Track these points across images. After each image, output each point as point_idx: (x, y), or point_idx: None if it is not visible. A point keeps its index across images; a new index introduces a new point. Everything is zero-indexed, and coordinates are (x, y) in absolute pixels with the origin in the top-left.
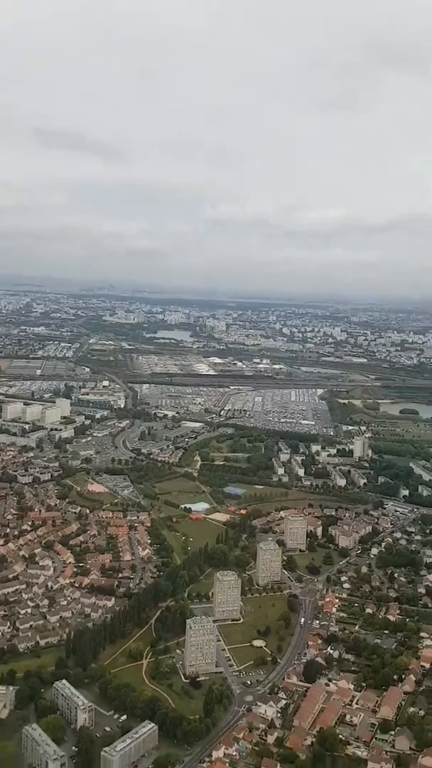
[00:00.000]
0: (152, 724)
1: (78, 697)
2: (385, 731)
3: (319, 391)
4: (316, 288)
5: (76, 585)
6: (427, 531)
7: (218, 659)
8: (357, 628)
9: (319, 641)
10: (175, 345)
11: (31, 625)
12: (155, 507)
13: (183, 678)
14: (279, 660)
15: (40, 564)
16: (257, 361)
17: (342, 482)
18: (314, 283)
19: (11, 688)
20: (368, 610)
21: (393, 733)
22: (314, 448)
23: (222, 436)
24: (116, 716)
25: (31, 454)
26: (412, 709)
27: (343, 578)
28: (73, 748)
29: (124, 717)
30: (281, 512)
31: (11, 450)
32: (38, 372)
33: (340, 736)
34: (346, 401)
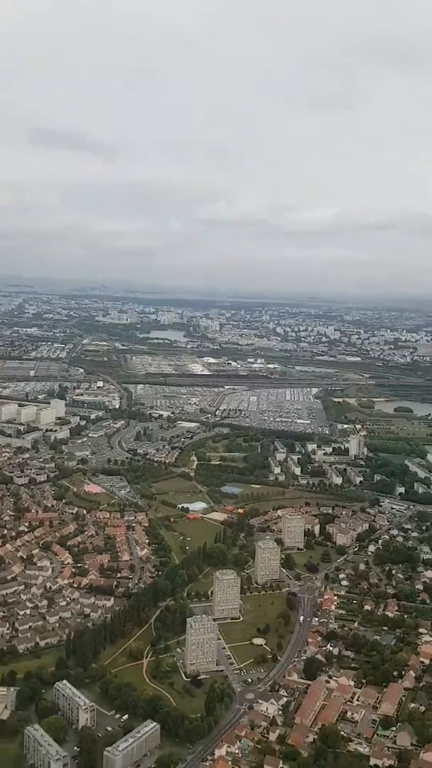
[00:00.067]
0: (154, 724)
1: (79, 698)
2: (387, 727)
3: (314, 390)
4: (309, 287)
5: (75, 585)
6: (424, 528)
7: (218, 658)
8: (356, 624)
9: (319, 638)
10: (168, 345)
11: (30, 626)
12: (152, 507)
13: (184, 677)
14: (279, 658)
15: (38, 565)
16: (251, 360)
17: (338, 480)
18: (308, 283)
19: (12, 689)
20: (367, 607)
21: (394, 729)
22: (310, 446)
23: (218, 436)
24: (118, 716)
25: (27, 456)
26: (412, 705)
27: (341, 576)
28: (75, 748)
29: (125, 717)
30: (278, 511)
31: (6, 451)
32: (32, 373)
33: (342, 732)
34: (340, 400)
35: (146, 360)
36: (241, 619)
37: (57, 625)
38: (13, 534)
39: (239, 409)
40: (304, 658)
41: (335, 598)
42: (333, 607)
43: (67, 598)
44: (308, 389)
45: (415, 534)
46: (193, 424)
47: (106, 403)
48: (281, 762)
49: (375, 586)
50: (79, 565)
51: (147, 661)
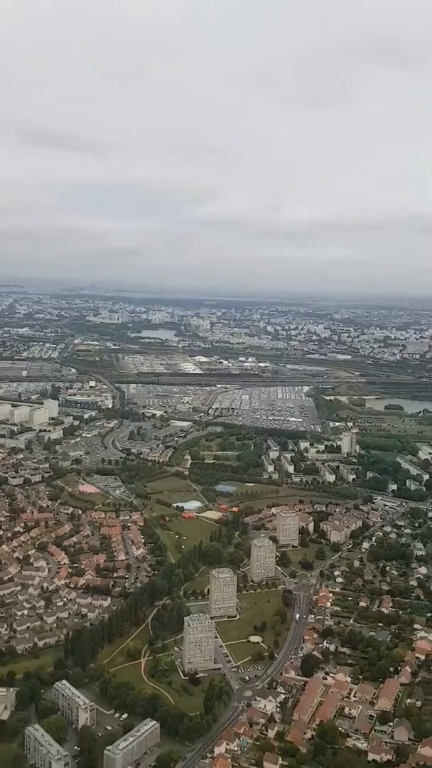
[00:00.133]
0: (154, 722)
1: (79, 697)
2: (384, 723)
3: (305, 389)
4: (302, 287)
5: (72, 586)
6: (417, 524)
7: (216, 656)
8: (351, 621)
9: (315, 635)
10: (160, 344)
11: (28, 627)
12: (147, 506)
13: (182, 675)
14: (276, 655)
15: (35, 565)
16: (243, 359)
17: (331, 478)
18: (301, 282)
19: (11, 689)
20: (362, 604)
21: (392, 724)
22: (303, 444)
23: (211, 435)
24: (117, 715)
25: (21, 456)
26: (409, 700)
27: (336, 573)
28: (76, 747)
29: (124, 716)
30: (273, 509)
31: (0, 452)
32: (24, 373)
33: (340, 728)
34: (332, 398)
35: (138, 359)
36: (238, 617)
37: (55, 625)
38: (9, 535)
39: (232, 408)
40: (301, 655)
41: (330, 595)
42: (328, 604)
43: (64, 599)
44: (300, 387)
45: (408, 531)
46: (186, 423)
47: (99, 402)
48: (280, 758)
49: (370, 583)
50: (75, 565)
51: (145, 660)
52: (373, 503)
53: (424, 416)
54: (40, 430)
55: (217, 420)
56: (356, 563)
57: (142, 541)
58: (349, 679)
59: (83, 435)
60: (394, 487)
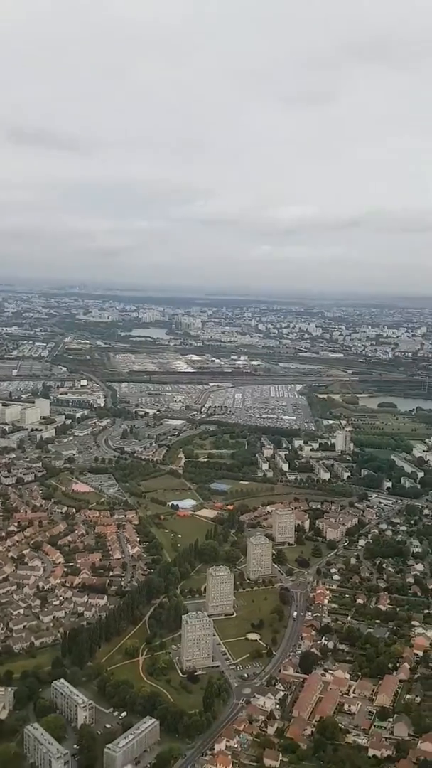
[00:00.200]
0: (153, 720)
1: (78, 696)
2: (383, 719)
3: (298, 387)
4: (288, 284)
5: (68, 585)
6: (412, 522)
7: (214, 654)
8: (349, 618)
9: (313, 632)
10: (151, 343)
11: (24, 626)
12: (142, 505)
13: (180, 673)
14: (274, 652)
15: (30, 565)
16: (235, 357)
17: (326, 476)
18: (287, 280)
19: (9, 688)
20: (359, 601)
21: (391, 720)
22: (297, 442)
23: (204, 433)
24: (116, 713)
25: (13, 455)
26: (408, 696)
27: (333, 570)
28: (75, 746)
29: (123, 714)
30: (268, 507)
31: None
32: (14, 372)
33: (340, 724)
34: (325, 396)
35: (129, 358)
36: (235, 615)
37: (51, 624)
38: (3, 534)
39: (225, 406)
40: (300, 652)
41: (327, 592)
42: (326, 601)
43: (60, 598)
44: (292, 386)
45: (404, 528)
46: (179, 422)
47: (91, 401)
48: (281, 755)
49: (366, 580)
50: (70, 564)
51: (143, 658)
52: (369, 501)
53: (417, 414)
54: (32, 429)
55: (210, 418)
56: (353, 560)
57: (138, 539)
58: (347, 676)
59: (76, 434)
60: (389, 484)
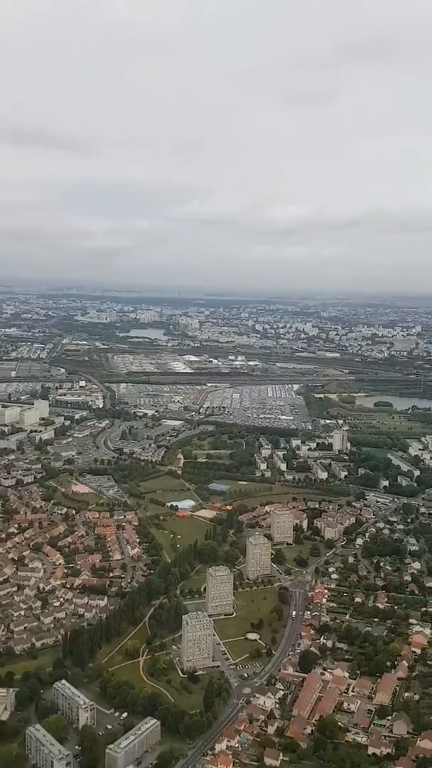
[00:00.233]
0: (154, 720)
1: (79, 697)
2: (383, 717)
3: (295, 387)
4: (288, 284)
5: (68, 586)
6: (409, 520)
7: (214, 653)
8: (348, 617)
9: (312, 632)
10: (149, 344)
11: (25, 627)
12: (141, 506)
13: (181, 673)
14: (274, 652)
15: (30, 566)
16: (232, 358)
17: (323, 475)
18: (287, 280)
19: (11, 690)
20: (357, 599)
21: (390, 718)
22: (294, 442)
23: (203, 434)
24: (117, 714)
25: (12, 457)
26: (407, 694)
27: (331, 569)
28: (77, 747)
29: (124, 714)
30: (266, 507)
31: None
32: (13, 374)
33: (339, 723)
34: (322, 396)
35: (127, 359)
36: (235, 614)
37: (52, 625)
38: (3, 536)
39: (223, 407)
40: (299, 651)
41: (326, 591)
42: (324, 600)
43: (61, 599)
44: (289, 385)
45: (401, 526)
46: (177, 423)
47: (90, 402)
48: (281, 754)
49: (364, 579)
50: (70, 565)
51: (143, 659)
52: (366, 500)
53: (413, 413)
54: (31, 431)
55: (208, 419)
56: (350, 559)
57: (137, 540)
58: (347, 675)
59: (75, 435)
60: (386, 483)
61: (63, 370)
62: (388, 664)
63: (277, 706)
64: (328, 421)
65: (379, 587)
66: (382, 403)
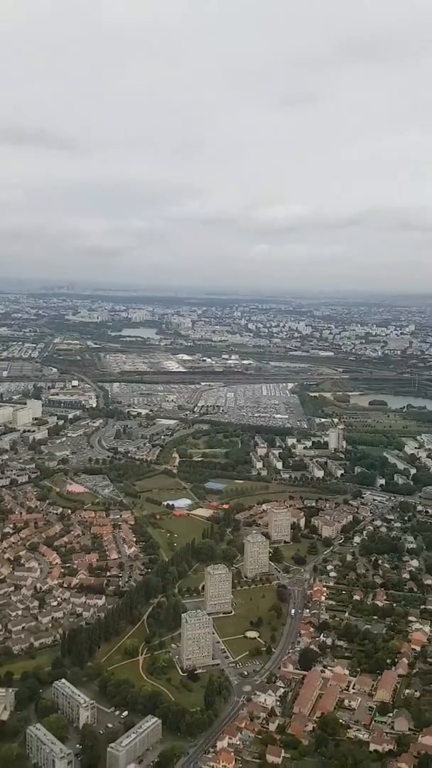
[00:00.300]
0: (156, 719)
1: (79, 696)
2: (384, 713)
3: (290, 385)
4: (287, 283)
5: (65, 585)
6: (406, 518)
7: (214, 652)
8: (347, 615)
9: (311, 629)
10: (141, 343)
11: (23, 627)
12: (137, 505)
13: (180, 672)
14: (273, 650)
15: (26, 566)
16: (226, 357)
17: (320, 474)
18: (282, 279)
19: (10, 689)
20: (356, 597)
21: (391, 714)
22: (290, 441)
23: (198, 433)
24: (117, 713)
25: (6, 457)
26: (407, 691)
27: (329, 567)
28: (78, 746)
29: (125, 713)
30: (263, 505)
31: None
32: (5, 373)
33: (341, 720)
34: (316, 394)
35: (120, 358)
36: (233, 613)
37: (50, 625)
38: None
39: (217, 406)
40: (299, 649)
41: (324, 589)
42: (323, 598)
43: (58, 598)
44: (284, 384)
45: (398, 524)
46: (172, 422)
47: (83, 402)
48: (283, 751)
49: (363, 577)
50: (67, 565)
51: (143, 657)
52: (363, 498)
53: (407, 411)
54: (25, 431)
55: (203, 418)
56: (348, 557)
57: (134, 539)
58: (347, 672)
59: (68, 435)
60: (382, 481)
61: (55, 370)
62: (388, 661)
63: (278, 703)
64: (323, 420)
65: (378, 585)
66: (377, 402)
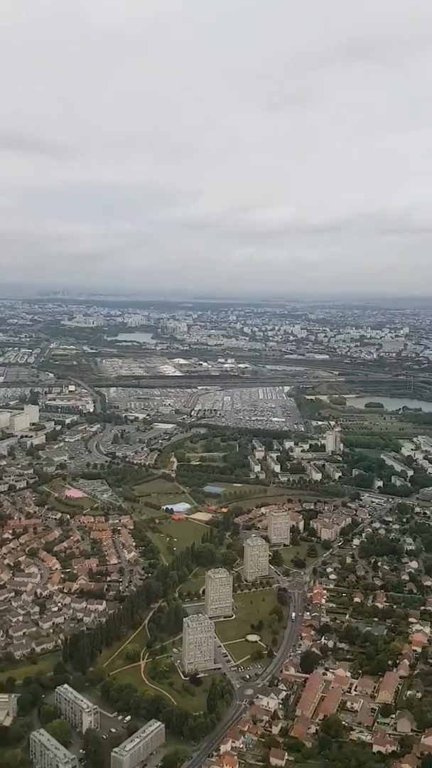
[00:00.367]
0: (159, 723)
1: (82, 700)
2: (386, 715)
3: (286, 389)
4: (271, 287)
5: (65, 591)
6: (404, 520)
7: (215, 656)
8: (347, 617)
9: (313, 632)
10: (137, 347)
11: (24, 633)
12: (136, 509)
13: (182, 676)
14: (275, 653)
15: (26, 572)
16: (222, 360)
17: (318, 476)
18: (266, 282)
19: (12, 695)
20: (356, 599)
21: (394, 716)
22: (287, 444)
23: (195, 437)
24: (120, 717)
25: (4, 462)
26: (409, 692)
27: (329, 569)
28: (81, 750)
29: (128, 718)
30: (262, 509)
31: None
32: (1, 379)
33: (343, 722)
34: (313, 397)
35: (116, 363)
36: (234, 616)
37: (51, 630)
38: None
39: (214, 409)
40: (300, 652)
41: (325, 591)
42: (323, 600)
43: (59, 604)
44: (280, 387)
45: (396, 526)
46: (169, 426)
47: (80, 407)
48: (286, 754)
49: (363, 579)
50: (67, 570)
51: (144, 662)
52: (361, 500)
53: (404, 413)
54: (22, 436)
55: (200, 422)
56: (348, 560)
57: (134, 544)
58: (349, 674)
59: (66, 440)
60: (380, 483)
61: (51, 375)
62: (390, 663)
63: (281, 706)
64: (320, 423)
65: (378, 587)
66: (373, 404)
